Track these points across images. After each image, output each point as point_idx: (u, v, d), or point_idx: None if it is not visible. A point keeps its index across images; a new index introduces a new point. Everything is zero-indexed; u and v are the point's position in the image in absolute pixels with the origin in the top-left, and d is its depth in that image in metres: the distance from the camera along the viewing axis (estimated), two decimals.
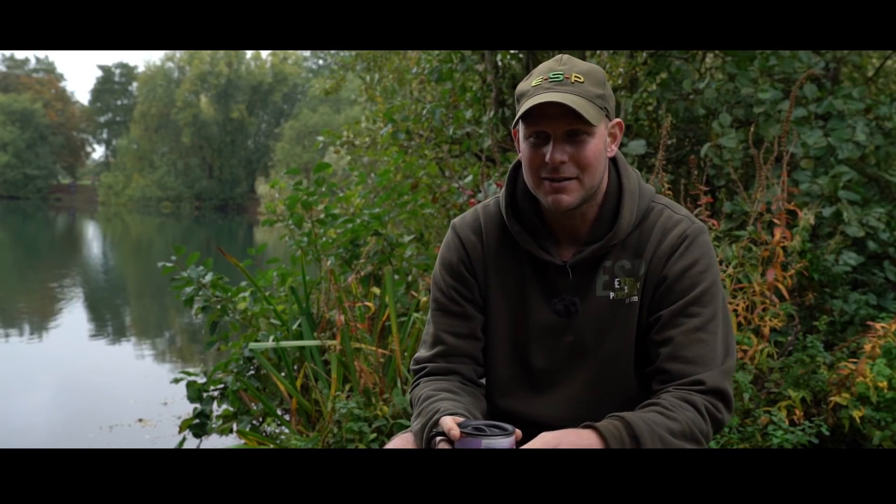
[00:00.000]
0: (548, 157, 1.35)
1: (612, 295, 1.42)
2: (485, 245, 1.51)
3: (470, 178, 4.74)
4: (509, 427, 1.23)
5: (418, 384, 1.49)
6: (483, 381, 1.55)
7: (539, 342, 1.47)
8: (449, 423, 1.24)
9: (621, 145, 3.75)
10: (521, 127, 1.40)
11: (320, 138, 6.64)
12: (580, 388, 1.45)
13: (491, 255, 1.50)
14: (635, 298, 1.42)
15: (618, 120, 1.44)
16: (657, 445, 1.25)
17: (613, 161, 1.47)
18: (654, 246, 1.41)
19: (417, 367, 1.53)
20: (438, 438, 1.26)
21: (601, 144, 1.38)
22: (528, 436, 1.53)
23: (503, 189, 1.50)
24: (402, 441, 1.46)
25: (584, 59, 4.44)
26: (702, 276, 1.39)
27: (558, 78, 1.35)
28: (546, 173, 1.37)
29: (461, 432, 1.22)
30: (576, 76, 1.35)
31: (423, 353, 1.54)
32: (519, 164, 1.49)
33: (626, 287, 1.42)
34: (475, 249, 1.51)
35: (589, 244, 1.43)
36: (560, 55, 1.41)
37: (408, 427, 1.50)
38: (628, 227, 1.42)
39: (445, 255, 1.54)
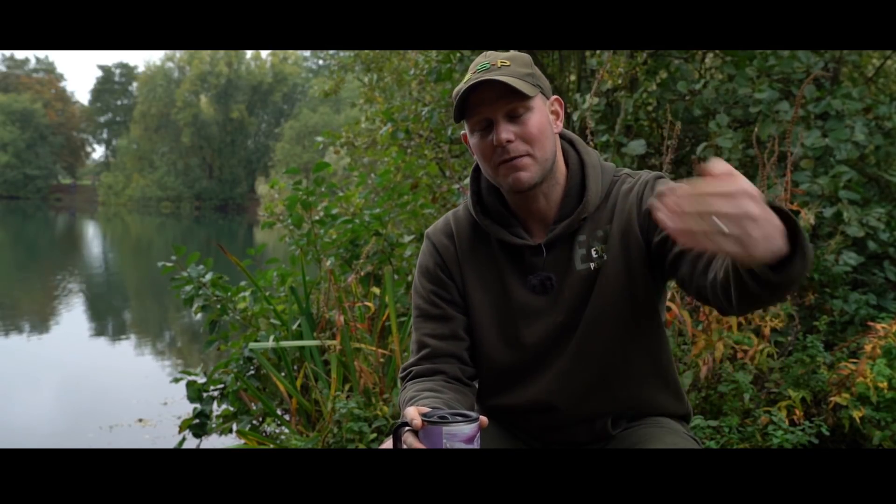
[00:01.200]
0: (495, 139, 1.39)
1: (592, 265, 1.45)
2: (457, 246, 1.54)
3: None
4: (473, 414, 1.23)
5: (405, 388, 1.51)
6: (471, 380, 1.55)
7: (529, 328, 1.48)
8: (412, 413, 1.24)
9: (621, 145, 3.78)
10: (466, 125, 1.44)
11: (319, 139, 6.64)
12: (570, 358, 1.47)
13: (465, 254, 1.53)
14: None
15: (556, 97, 1.48)
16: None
17: (571, 143, 1.52)
18: (622, 204, 1.45)
19: (404, 373, 1.55)
20: (405, 429, 1.26)
21: (543, 119, 1.42)
22: (526, 425, 1.54)
23: (469, 189, 1.55)
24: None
25: (583, 59, 4.47)
26: None
27: (485, 67, 1.41)
28: (499, 157, 1.41)
29: (423, 421, 1.21)
30: (501, 61, 1.41)
31: (409, 360, 1.56)
32: (479, 165, 1.52)
33: (603, 254, 1.45)
34: (448, 252, 1.55)
35: (559, 222, 1.46)
36: (485, 52, 1.46)
37: None
38: (596, 199, 1.46)
39: (422, 262, 1.57)
